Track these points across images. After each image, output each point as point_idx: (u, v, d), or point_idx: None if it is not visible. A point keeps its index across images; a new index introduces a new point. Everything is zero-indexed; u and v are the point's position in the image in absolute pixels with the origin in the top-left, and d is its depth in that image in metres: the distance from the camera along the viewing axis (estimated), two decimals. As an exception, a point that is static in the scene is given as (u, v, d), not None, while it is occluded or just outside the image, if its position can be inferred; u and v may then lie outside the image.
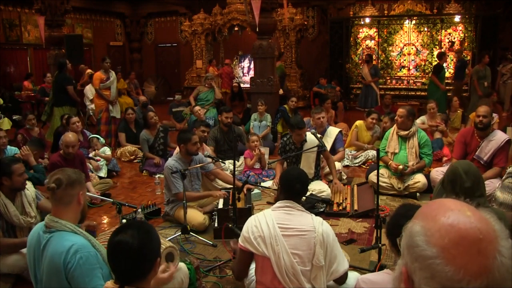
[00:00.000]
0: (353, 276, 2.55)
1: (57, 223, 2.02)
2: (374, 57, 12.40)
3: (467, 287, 0.73)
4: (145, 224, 1.75)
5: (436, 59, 10.30)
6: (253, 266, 2.49)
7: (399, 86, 12.44)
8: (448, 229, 0.78)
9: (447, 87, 9.43)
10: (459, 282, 0.74)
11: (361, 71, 10.35)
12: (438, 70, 8.85)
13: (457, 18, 11.68)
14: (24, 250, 3.16)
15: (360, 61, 12.84)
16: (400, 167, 4.75)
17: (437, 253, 0.77)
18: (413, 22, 12.35)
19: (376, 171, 3.31)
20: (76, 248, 1.92)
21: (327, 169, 5.16)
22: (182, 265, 2.51)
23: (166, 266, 2.09)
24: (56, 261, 1.93)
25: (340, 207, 4.45)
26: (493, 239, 0.76)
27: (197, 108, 7.54)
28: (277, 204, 2.46)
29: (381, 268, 2.75)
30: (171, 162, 4.15)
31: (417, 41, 12.37)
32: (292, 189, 2.44)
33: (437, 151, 6.46)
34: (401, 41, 12.51)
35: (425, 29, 12.31)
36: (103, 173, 5.81)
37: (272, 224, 2.32)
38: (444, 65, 9.28)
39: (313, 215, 2.43)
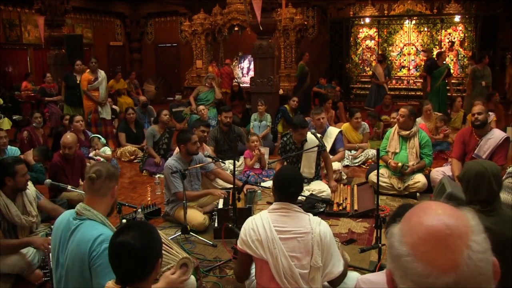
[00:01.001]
0: (353, 276, 2.54)
1: (89, 211, 2.07)
2: (374, 57, 12.44)
3: (436, 282, 0.74)
4: (147, 225, 1.75)
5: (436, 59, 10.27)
6: (254, 266, 2.49)
7: (399, 86, 12.44)
8: (417, 227, 0.80)
9: (453, 87, 9.34)
10: (427, 277, 0.75)
11: (373, 71, 10.28)
12: (431, 69, 8.77)
13: (457, 18, 11.68)
14: (24, 250, 3.17)
15: (360, 61, 12.84)
16: (399, 164, 4.76)
17: (408, 251, 0.78)
18: (413, 22, 12.35)
19: (376, 171, 3.32)
20: (103, 238, 1.95)
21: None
22: (192, 277, 2.52)
23: (181, 272, 2.10)
24: (82, 248, 1.96)
25: (340, 207, 4.45)
26: (463, 234, 0.77)
27: (201, 107, 7.56)
28: (273, 206, 2.42)
29: (381, 268, 2.76)
30: (171, 162, 4.15)
31: (417, 41, 12.37)
32: (287, 192, 2.40)
33: (447, 150, 6.55)
34: (401, 41, 12.51)
35: (425, 29, 12.31)
36: (103, 173, 5.79)
37: (269, 227, 2.29)
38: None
39: (311, 215, 2.40)
